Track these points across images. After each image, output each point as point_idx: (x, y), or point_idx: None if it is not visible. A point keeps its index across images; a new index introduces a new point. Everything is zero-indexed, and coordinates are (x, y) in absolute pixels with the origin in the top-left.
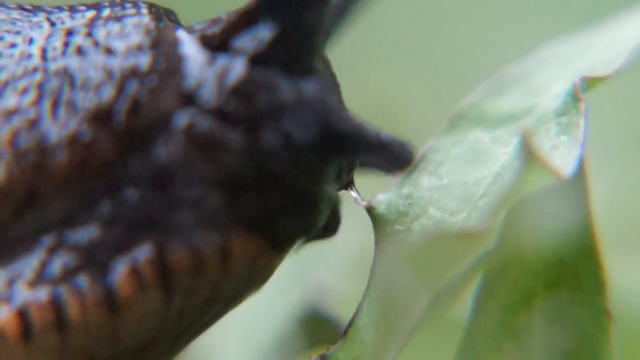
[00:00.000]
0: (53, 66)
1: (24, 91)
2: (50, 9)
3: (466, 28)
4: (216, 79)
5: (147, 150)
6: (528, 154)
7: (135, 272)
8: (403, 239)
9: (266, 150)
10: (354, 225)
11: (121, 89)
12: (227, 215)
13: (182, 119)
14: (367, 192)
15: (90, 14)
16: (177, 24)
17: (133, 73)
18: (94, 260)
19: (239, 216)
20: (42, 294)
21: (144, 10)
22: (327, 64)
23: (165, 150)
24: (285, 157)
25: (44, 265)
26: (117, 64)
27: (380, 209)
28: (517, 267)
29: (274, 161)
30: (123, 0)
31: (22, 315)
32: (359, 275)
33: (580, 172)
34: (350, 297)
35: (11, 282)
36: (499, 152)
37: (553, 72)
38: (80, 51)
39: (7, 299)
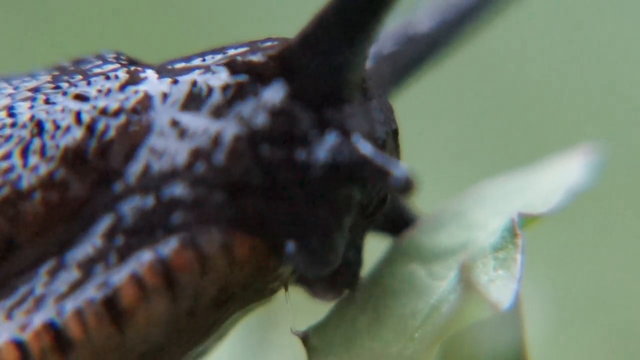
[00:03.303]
0: (21, 119)
1: None
2: (7, 76)
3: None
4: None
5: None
6: (465, 287)
7: (136, 279)
8: None
9: (273, 162)
10: (286, 353)
11: (90, 129)
12: (228, 213)
13: (172, 127)
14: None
15: (54, 72)
16: (143, 65)
17: (102, 114)
18: (92, 274)
19: (240, 215)
20: (37, 319)
21: (110, 58)
22: (369, 95)
23: (165, 157)
24: (293, 172)
25: (45, 289)
26: (86, 107)
27: (315, 340)
28: None
29: (281, 173)
30: (85, 56)
31: (17, 343)
32: None
33: (516, 307)
34: None
35: (9, 314)
36: (436, 285)
37: (490, 208)
38: (47, 101)
39: (5, 329)
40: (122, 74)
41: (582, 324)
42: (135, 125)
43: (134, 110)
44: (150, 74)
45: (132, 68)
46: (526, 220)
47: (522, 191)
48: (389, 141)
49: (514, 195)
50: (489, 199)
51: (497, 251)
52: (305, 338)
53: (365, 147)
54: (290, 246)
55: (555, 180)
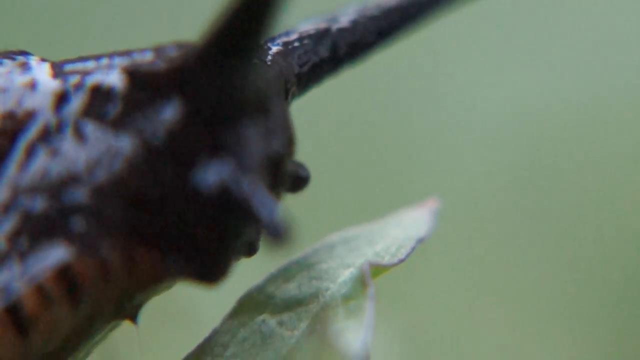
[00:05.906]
0: None
1: None
2: None
3: None
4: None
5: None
6: (317, 337)
7: (38, 286)
8: None
9: (167, 180)
10: None
11: None
12: (127, 224)
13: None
14: None
15: None
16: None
17: None
18: None
19: (138, 227)
20: None
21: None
22: (269, 111)
23: (65, 160)
24: (184, 193)
25: None
26: None
27: None
28: None
29: (173, 192)
30: None
31: None
32: None
33: (366, 355)
34: None
35: None
36: (286, 335)
37: (341, 259)
38: None
39: None
40: (7, 61)
41: None
42: (20, 112)
43: (18, 97)
44: (41, 66)
45: (21, 57)
46: (376, 270)
47: (372, 242)
48: (283, 164)
49: (364, 247)
50: (339, 250)
51: (347, 301)
52: None
53: (247, 183)
54: (180, 261)
55: (404, 231)
